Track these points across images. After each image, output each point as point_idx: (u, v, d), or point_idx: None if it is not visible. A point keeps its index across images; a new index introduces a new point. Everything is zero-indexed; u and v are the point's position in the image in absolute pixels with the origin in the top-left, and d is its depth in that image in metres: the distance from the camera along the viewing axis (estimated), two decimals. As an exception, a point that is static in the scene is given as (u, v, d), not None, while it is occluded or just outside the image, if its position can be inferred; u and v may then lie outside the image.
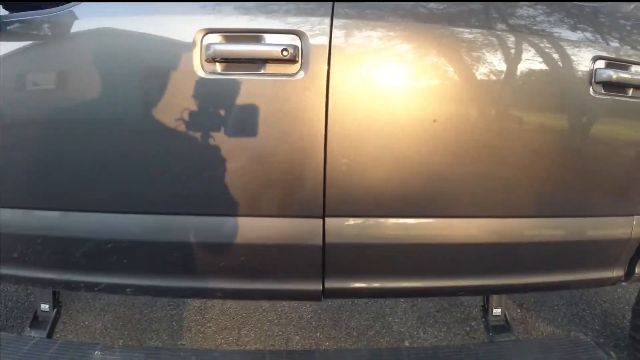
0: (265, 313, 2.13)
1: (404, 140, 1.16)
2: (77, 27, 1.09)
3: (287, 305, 2.17)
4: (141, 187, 1.18)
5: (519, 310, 2.21)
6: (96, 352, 1.38)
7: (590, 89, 1.19)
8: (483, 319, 1.58)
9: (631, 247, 1.41)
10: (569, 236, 1.34)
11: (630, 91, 1.23)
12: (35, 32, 1.12)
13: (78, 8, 1.09)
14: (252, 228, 1.19)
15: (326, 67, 1.08)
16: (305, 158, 1.14)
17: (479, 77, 1.14)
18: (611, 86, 1.21)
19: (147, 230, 1.21)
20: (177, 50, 1.08)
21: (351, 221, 1.21)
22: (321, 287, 1.27)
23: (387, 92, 1.14)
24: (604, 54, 1.20)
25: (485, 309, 1.59)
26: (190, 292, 1.34)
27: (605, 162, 1.29)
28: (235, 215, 1.18)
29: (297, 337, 2.00)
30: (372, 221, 1.22)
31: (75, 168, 1.17)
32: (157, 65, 1.10)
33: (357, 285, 1.30)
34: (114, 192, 1.18)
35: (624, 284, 1.56)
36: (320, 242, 1.19)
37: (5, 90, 1.09)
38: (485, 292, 1.52)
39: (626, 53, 1.24)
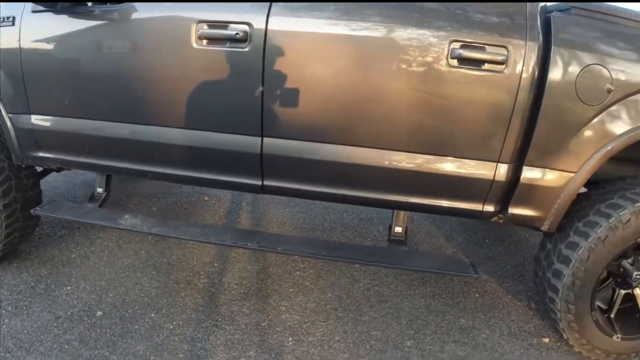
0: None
1: (313, 93, 1.81)
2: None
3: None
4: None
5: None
6: (126, 216, 2.20)
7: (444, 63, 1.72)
8: (387, 235, 2.10)
9: (496, 188, 1.86)
10: (446, 171, 1.84)
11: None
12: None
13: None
14: (218, 140, 1.92)
15: (262, 44, 1.77)
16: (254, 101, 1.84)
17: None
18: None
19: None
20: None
21: (280, 140, 1.87)
22: (261, 183, 1.95)
23: (309, 61, 1.80)
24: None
25: (390, 227, 2.11)
26: (185, 179, 2.09)
27: (468, 119, 1.79)
28: (210, 130, 1.92)
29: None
30: (294, 142, 1.87)
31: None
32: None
33: (287, 185, 1.95)
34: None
35: (501, 222, 1.99)
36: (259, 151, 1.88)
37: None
38: (383, 206, 2.02)
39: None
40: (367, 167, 1.87)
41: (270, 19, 1.77)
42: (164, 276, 2.35)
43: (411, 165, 1.85)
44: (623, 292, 2.10)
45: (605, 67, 1.75)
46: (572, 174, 1.85)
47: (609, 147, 1.80)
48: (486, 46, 1.73)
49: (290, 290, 2.29)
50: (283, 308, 2.17)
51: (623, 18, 1.84)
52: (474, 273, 1.89)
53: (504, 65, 1.73)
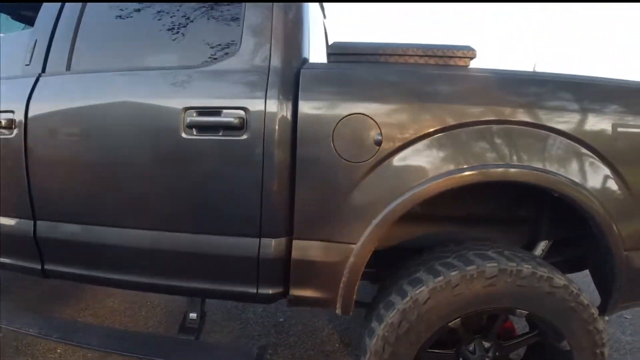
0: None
1: (69, 174, 1.71)
2: None
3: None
4: None
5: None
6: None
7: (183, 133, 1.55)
8: (182, 320, 1.85)
9: (267, 268, 1.59)
10: (209, 251, 1.61)
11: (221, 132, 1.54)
12: None
13: None
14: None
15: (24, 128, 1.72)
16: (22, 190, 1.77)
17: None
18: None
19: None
20: None
21: (52, 223, 1.76)
22: (40, 267, 1.82)
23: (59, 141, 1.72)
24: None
25: (186, 313, 1.86)
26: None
27: (218, 192, 1.58)
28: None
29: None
30: (64, 225, 1.74)
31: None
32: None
33: (68, 270, 1.79)
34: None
35: (291, 305, 1.68)
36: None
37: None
38: (159, 291, 1.79)
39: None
40: (134, 250, 1.69)
41: (30, 103, 1.73)
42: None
43: (169, 246, 1.64)
44: (475, 387, 1.67)
45: (370, 117, 1.48)
46: (351, 246, 1.54)
47: (390, 210, 1.49)
48: (222, 110, 1.55)
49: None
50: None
51: (393, 55, 1.58)
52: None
53: (242, 129, 1.53)
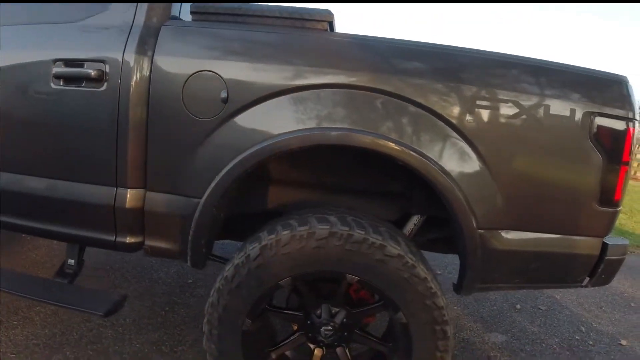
0: None
1: None
2: None
3: None
4: None
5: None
6: None
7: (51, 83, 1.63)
8: (61, 266, 1.93)
9: (124, 216, 1.65)
10: (66, 196, 1.68)
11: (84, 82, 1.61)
12: None
13: None
14: None
15: None
16: None
17: None
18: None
19: None
20: None
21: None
22: None
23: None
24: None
25: (65, 259, 1.95)
26: None
27: (79, 141, 1.65)
28: None
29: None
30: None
31: None
32: None
33: None
34: None
35: (147, 255, 1.75)
36: None
37: None
38: (17, 230, 1.85)
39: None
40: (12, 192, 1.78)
41: None
42: None
43: (35, 190, 1.72)
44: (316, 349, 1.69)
45: (218, 75, 1.52)
46: (197, 200, 1.58)
47: (231, 167, 1.53)
48: (85, 62, 1.62)
49: (14, 322, 2.21)
50: (-9, 339, 2.11)
51: (257, 17, 1.61)
52: (101, 312, 1.67)
53: (102, 82, 1.59)
